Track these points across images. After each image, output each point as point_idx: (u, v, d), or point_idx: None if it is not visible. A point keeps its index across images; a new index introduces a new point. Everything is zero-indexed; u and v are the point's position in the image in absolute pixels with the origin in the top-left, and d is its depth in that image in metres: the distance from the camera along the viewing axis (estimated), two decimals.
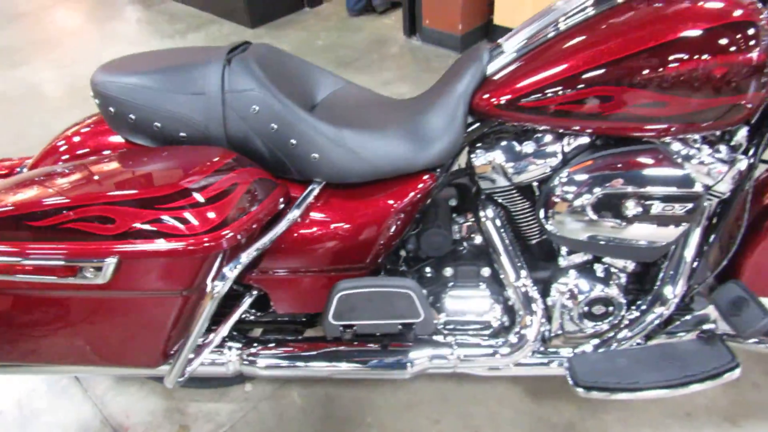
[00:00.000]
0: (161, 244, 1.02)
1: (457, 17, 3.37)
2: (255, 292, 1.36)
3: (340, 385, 1.72)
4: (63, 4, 4.94)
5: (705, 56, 1.01)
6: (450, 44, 3.53)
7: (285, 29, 4.11)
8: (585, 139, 1.20)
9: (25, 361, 1.24)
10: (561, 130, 1.17)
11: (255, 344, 1.42)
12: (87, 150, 1.29)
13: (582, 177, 1.16)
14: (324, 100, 1.38)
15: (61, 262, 1.04)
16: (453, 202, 1.46)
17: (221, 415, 1.67)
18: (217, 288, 1.09)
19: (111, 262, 1.02)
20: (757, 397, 1.61)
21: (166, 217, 1.02)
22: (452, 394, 1.67)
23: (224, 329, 1.31)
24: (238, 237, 1.07)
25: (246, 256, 1.11)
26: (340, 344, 1.41)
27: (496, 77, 1.18)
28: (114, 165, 1.13)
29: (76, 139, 1.31)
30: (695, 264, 1.33)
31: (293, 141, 1.17)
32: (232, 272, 1.09)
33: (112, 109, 1.20)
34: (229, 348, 1.40)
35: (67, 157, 1.29)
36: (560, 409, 1.61)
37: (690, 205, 1.14)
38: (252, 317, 1.49)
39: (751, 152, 1.21)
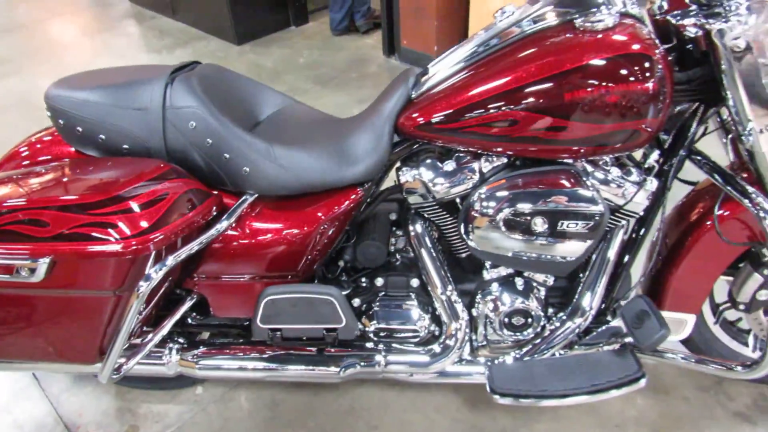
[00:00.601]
0: (91, 247, 1.10)
1: (432, 39, 3.49)
2: (195, 296, 1.44)
3: (286, 389, 1.78)
4: (60, 17, 5.08)
5: (605, 83, 1.10)
6: (427, 64, 3.63)
7: (269, 46, 4.22)
8: (503, 159, 1.28)
9: None
10: (478, 151, 1.26)
11: (196, 346, 1.49)
12: (48, 157, 1.38)
13: (495, 194, 1.23)
14: (268, 117, 1.47)
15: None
16: (393, 216, 1.54)
17: (170, 416, 1.73)
18: (142, 288, 1.16)
19: (44, 262, 1.11)
20: (685, 411, 1.67)
21: (97, 222, 1.10)
22: (393, 402, 1.73)
23: (164, 330, 1.38)
24: (167, 241, 1.15)
25: (173, 259, 1.18)
26: (276, 348, 1.47)
27: (418, 100, 1.27)
28: (57, 173, 1.22)
29: (38, 146, 1.41)
30: (614, 278, 1.41)
31: (227, 155, 1.25)
32: (157, 273, 1.16)
33: (61, 122, 1.29)
34: (170, 349, 1.47)
35: (27, 162, 1.39)
36: (495, 418, 1.67)
37: (592, 223, 1.21)
38: (195, 321, 1.56)
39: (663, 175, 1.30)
